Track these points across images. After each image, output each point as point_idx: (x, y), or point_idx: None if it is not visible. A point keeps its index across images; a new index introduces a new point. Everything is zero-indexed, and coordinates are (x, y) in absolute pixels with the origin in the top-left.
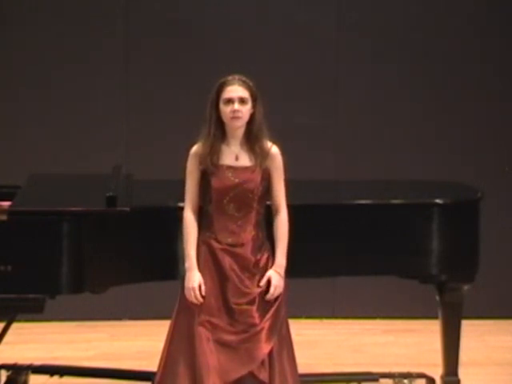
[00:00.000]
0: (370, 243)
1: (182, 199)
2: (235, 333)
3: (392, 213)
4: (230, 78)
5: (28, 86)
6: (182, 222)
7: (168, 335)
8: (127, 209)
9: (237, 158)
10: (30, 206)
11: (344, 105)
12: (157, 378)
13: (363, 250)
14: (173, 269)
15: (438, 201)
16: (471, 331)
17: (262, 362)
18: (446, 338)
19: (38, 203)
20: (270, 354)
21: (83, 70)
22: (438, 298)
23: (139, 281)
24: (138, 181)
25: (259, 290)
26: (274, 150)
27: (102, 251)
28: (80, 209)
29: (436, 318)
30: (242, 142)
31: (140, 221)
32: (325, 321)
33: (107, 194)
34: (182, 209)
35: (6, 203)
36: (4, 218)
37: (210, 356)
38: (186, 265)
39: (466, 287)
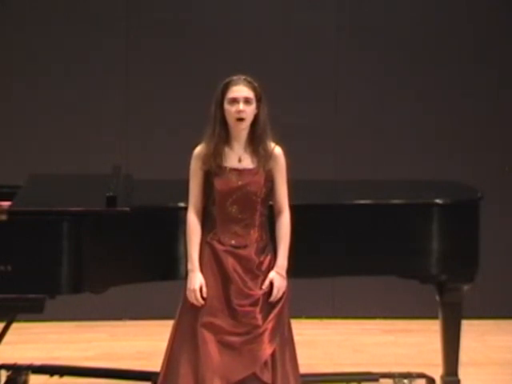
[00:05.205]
0: (370, 243)
1: (182, 199)
2: (238, 334)
3: (392, 213)
4: (235, 77)
5: (28, 86)
6: (181, 221)
7: (171, 336)
8: (127, 209)
9: (240, 160)
10: (30, 206)
11: (344, 105)
12: (160, 379)
13: (363, 249)
14: (173, 269)
15: (437, 201)
16: (471, 331)
17: (265, 363)
18: (445, 338)
19: (38, 203)
20: (273, 355)
21: (83, 69)
22: (437, 298)
23: (139, 281)
24: (138, 181)
25: (262, 291)
26: (277, 150)
27: (102, 251)
28: (80, 209)
29: (436, 318)
30: (246, 143)
31: (140, 221)
32: (325, 321)
33: (107, 194)
34: (181, 209)
35: (6, 203)
36: (4, 218)
37: (213, 357)
38: (189, 266)
39: (465, 287)
